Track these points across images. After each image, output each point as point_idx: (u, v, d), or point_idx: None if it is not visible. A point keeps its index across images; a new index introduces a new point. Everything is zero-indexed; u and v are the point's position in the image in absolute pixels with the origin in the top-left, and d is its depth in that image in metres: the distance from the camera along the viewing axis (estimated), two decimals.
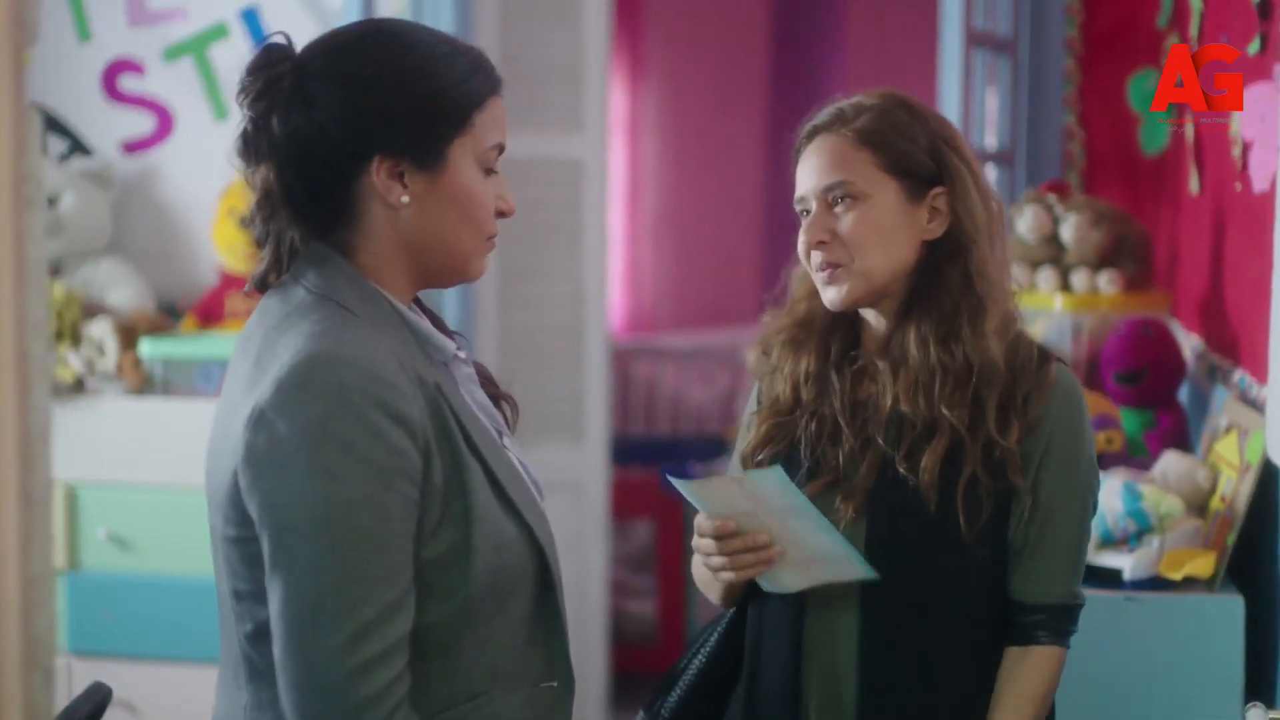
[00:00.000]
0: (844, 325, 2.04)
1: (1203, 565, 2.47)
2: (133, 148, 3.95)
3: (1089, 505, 1.99)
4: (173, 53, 3.91)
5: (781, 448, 2.03)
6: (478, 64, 1.70)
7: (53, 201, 3.73)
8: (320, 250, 1.67)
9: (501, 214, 1.73)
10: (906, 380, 1.95)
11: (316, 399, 1.54)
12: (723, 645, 2.09)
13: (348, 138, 1.63)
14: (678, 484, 1.89)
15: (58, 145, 3.93)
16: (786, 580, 1.95)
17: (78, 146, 3.94)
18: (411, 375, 1.61)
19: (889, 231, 1.96)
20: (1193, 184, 3.15)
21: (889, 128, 1.97)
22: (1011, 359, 1.96)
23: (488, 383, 1.84)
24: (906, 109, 2.00)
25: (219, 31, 3.88)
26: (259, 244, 1.71)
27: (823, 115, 2.01)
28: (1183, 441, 3.02)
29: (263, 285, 1.71)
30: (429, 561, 1.61)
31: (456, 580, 1.62)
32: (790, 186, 2.04)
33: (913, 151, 1.97)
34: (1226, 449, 2.63)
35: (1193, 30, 3.09)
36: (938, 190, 1.98)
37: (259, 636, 1.62)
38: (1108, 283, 3.32)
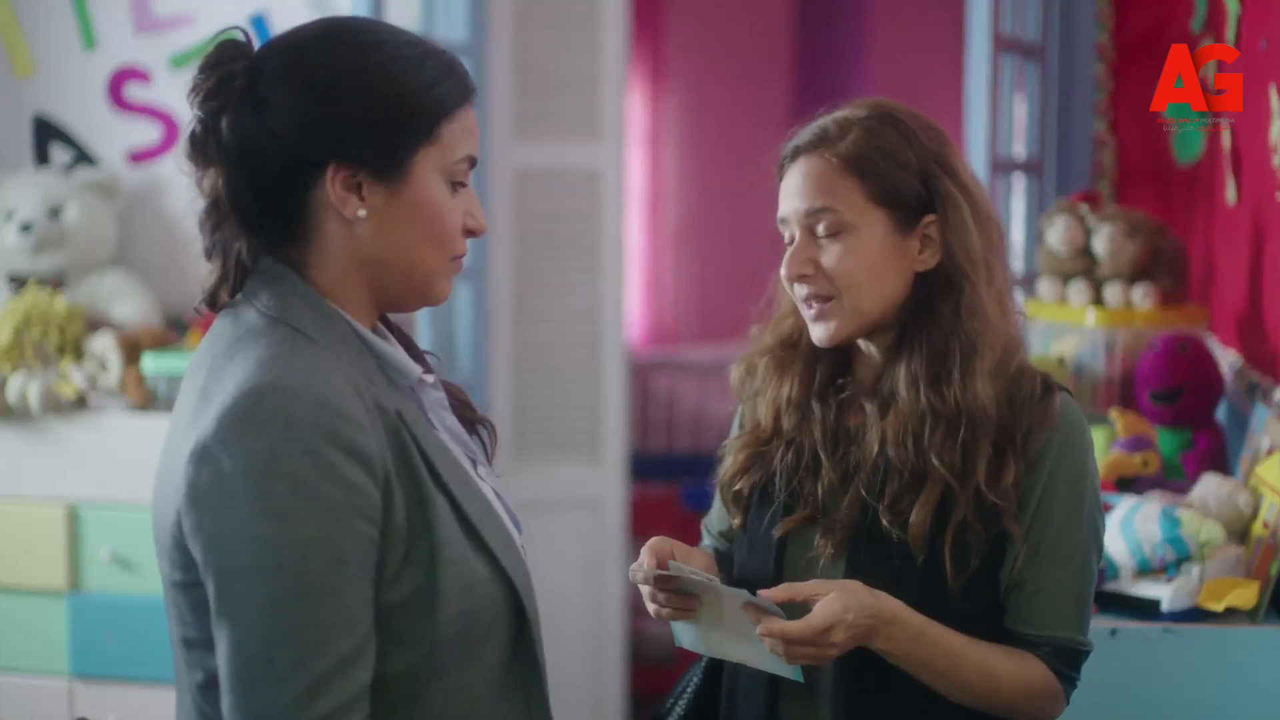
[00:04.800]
0: (833, 349, 1.92)
1: (1245, 596, 2.38)
2: (139, 158, 3.88)
3: (1093, 547, 1.86)
4: (180, 60, 3.84)
5: (758, 478, 1.94)
6: (449, 69, 1.60)
7: (56, 213, 3.66)
8: (274, 268, 1.58)
9: (470, 233, 1.63)
10: (895, 424, 1.84)
11: (263, 432, 1.44)
12: (704, 686, 2.00)
13: (300, 144, 1.54)
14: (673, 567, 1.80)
15: (62, 155, 3.87)
16: (708, 643, 1.85)
17: (83, 156, 3.87)
18: (370, 404, 1.51)
19: (877, 266, 1.84)
20: (1230, 193, 3.06)
21: (876, 152, 1.83)
22: (1014, 392, 1.84)
23: (462, 406, 1.74)
24: (896, 126, 1.86)
25: None
26: (206, 255, 1.61)
27: (806, 134, 1.89)
28: (1221, 463, 2.92)
29: (214, 303, 1.61)
30: (392, 606, 1.51)
31: (422, 626, 1.52)
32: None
33: (902, 179, 1.84)
34: (1269, 472, 2.53)
35: (1229, 34, 2.99)
36: (929, 218, 1.85)
37: (210, 687, 1.53)
38: (1143, 296, 3.23)
